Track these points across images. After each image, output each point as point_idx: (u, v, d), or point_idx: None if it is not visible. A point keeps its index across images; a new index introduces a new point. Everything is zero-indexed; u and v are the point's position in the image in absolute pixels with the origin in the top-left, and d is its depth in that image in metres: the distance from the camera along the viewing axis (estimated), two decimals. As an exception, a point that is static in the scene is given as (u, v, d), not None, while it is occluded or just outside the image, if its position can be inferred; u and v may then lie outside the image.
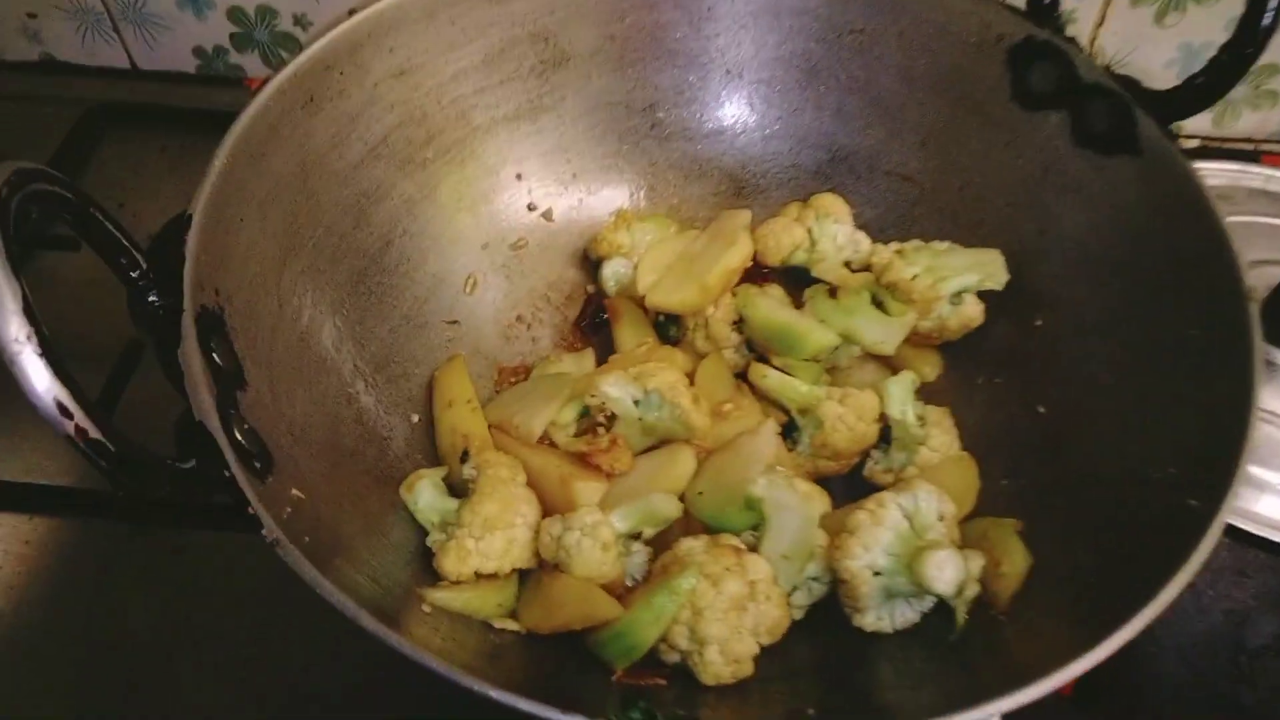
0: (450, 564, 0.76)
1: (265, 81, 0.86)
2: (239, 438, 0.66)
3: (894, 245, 1.02)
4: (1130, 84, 0.91)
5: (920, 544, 0.77)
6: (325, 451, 0.80)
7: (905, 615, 0.79)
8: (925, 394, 0.99)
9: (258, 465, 0.67)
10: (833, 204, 1.05)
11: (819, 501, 0.82)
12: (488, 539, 0.76)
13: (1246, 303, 0.77)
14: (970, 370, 1.00)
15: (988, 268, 0.97)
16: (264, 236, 0.84)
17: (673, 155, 1.14)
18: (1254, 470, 1.05)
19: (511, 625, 0.77)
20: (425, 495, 0.82)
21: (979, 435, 0.95)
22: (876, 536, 0.77)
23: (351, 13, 0.92)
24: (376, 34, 0.95)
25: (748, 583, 0.74)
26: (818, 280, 1.03)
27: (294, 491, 0.70)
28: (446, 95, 1.02)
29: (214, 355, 0.69)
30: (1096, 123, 0.93)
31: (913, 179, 1.07)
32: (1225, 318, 0.78)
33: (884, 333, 0.95)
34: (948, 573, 0.73)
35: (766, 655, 0.76)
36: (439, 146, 1.03)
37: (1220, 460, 0.70)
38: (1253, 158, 1.42)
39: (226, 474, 0.63)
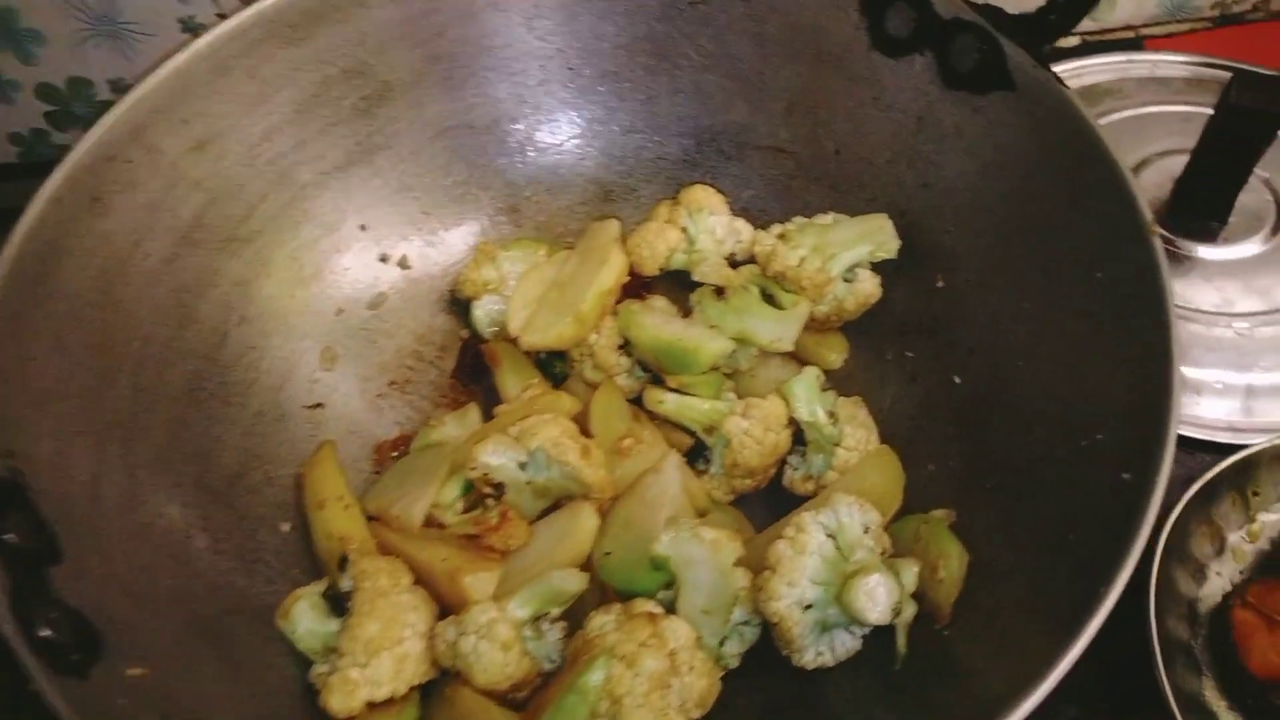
0: (337, 701, 0.68)
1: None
2: (47, 633, 0.57)
3: (776, 229, 0.94)
4: (992, 13, 0.83)
5: (848, 569, 0.70)
6: (176, 602, 0.71)
7: (846, 644, 0.72)
8: (835, 380, 0.93)
9: (76, 658, 0.58)
10: (704, 196, 0.97)
11: (729, 547, 0.75)
12: (374, 664, 0.68)
13: (1149, 236, 0.71)
14: (878, 347, 0.94)
15: (877, 236, 0.90)
16: (66, 371, 0.74)
17: (529, 171, 1.05)
18: (1188, 372, 1.01)
19: None
20: (304, 621, 0.74)
21: (897, 418, 0.89)
22: (800, 568, 0.70)
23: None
24: (163, 108, 0.84)
25: (667, 655, 0.67)
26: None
27: (131, 671, 0.61)
28: (261, 158, 0.91)
29: (4, 539, 0.59)
30: (963, 61, 0.85)
31: (785, 150, 0.99)
32: (1129, 254, 0.72)
33: (779, 329, 0.87)
34: (881, 600, 0.67)
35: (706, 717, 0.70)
36: (264, 216, 0.92)
37: (1147, 425, 0.64)
38: (1136, 45, 1.37)
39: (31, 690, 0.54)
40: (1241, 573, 0.94)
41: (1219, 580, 0.94)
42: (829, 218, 0.93)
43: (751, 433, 0.83)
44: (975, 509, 0.77)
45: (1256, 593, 0.89)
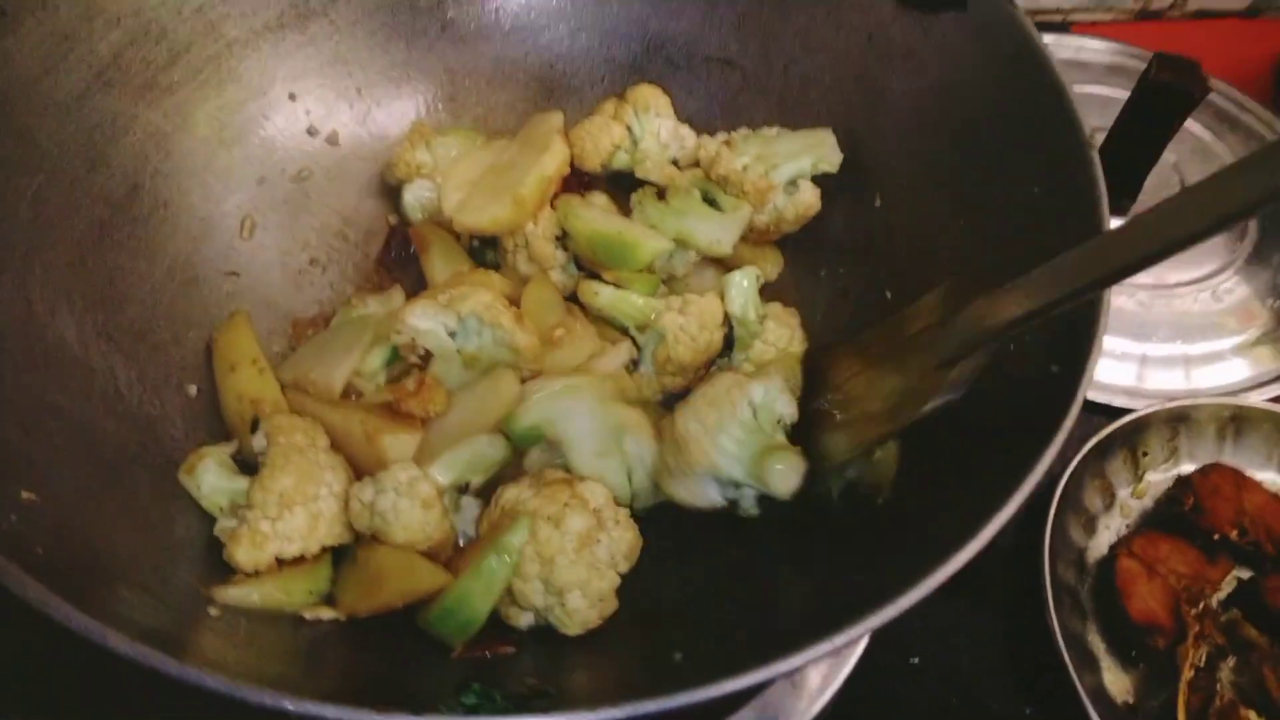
0: (244, 553, 0.64)
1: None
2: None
3: (721, 136, 0.93)
4: (947, -67, 0.84)
5: (768, 443, 0.70)
6: (74, 444, 0.66)
7: (710, 498, 0.72)
8: (769, 293, 0.92)
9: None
10: (652, 96, 0.96)
11: (591, 384, 0.74)
12: (286, 518, 0.65)
13: (1088, 151, 0.73)
14: (812, 264, 0.94)
15: (819, 149, 0.90)
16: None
17: (471, 59, 1.01)
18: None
19: (326, 613, 0.66)
20: (209, 477, 0.70)
21: (825, 330, 0.89)
22: (730, 413, 0.70)
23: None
24: (82, -72, 0.78)
25: (592, 512, 0.65)
26: (643, 183, 0.94)
27: (24, 495, 0.56)
28: (188, 3, 0.86)
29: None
30: (918, -20, 0.86)
31: (734, 63, 0.98)
32: (1068, 169, 0.73)
33: (719, 231, 0.87)
34: (791, 480, 0.67)
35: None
36: (187, 67, 0.87)
37: (1079, 324, 0.65)
38: (1063, 28, 1.42)
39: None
40: (1128, 526, 0.99)
41: (1107, 534, 0.99)
42: (774, 130, 0.93)
43: (687, 329, 0.82)
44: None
45: (1141, 544, 0.93)
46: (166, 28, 0.85)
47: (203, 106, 0.88)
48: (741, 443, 0.70)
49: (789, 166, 0.89)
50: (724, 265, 0.91)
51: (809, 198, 0.90)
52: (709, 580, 0.73)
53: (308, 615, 0.66)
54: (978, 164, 0.82)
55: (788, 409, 0.73)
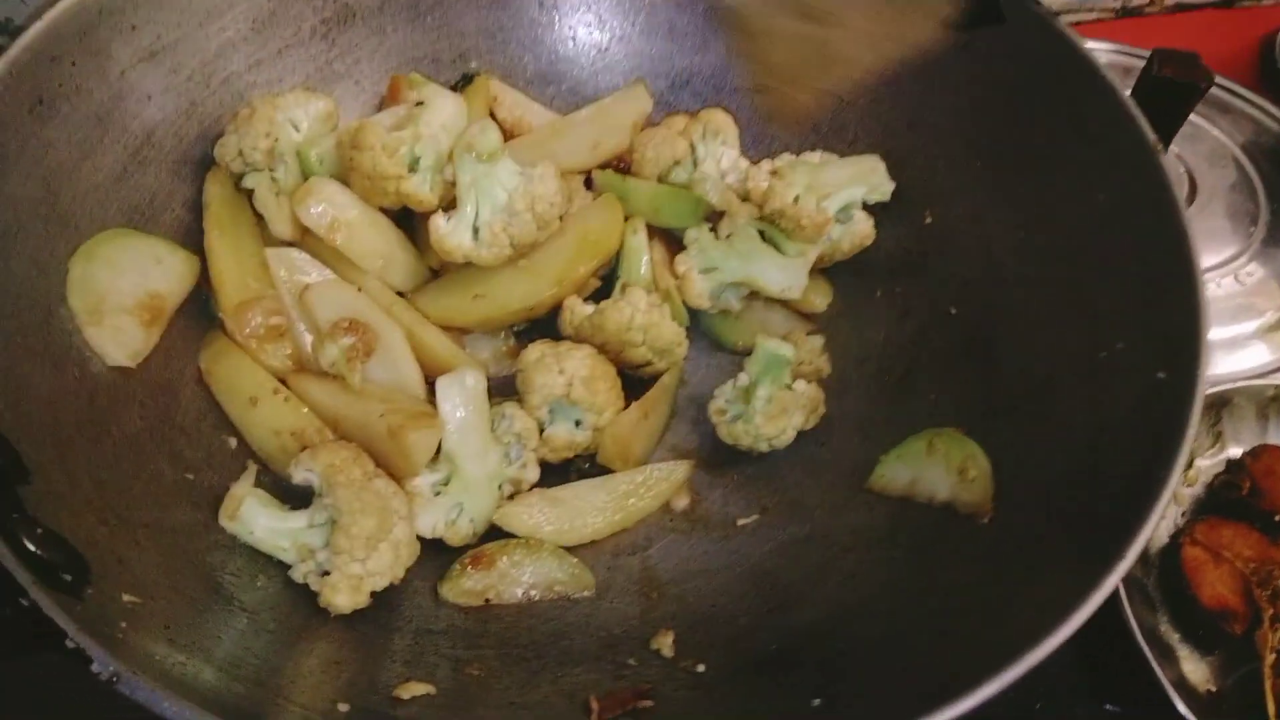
0: (344, 598, 0.65)
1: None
2: (32, 548, 0.49)
3: (766, 164, 0.92)
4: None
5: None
6: (159, 533, 0.63)
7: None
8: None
9: (68, 578, 0.50)
10: (724, 123, 0.94)
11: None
12: (374, 556, 0.65)
13: (1155, 154, 0.73)
14: (866, 286, 0.93)
15: (871, 178, 0.89)
16: (13, 281, 0.66)
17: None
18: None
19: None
20: (260, 520, 0.68)
21: (892, 353, 0.88)
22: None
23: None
24: (111, 9, 0.76)
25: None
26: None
27: (125, 598, 0.53)
28: (215, 76, 0.84)
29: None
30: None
31: (765, 90, 0.98)
32: (1135, 173, 0.73)
33: (789, 276, 0.86)
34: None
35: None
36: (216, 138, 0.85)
37: (1179, 320, 0.65)
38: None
39: (25, 603, 0.46)
40: (1183, 514, 0.99)
41: (1164, 523, 0.98)
42: (817, 155, 0.92)
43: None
44: (988, 433, 0.76)
45: (1203, 531, 0.93)
46: (195, 101, 0.83)
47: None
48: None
49: (841, 196, 0.88)
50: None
51: (864, 228, 0.89)
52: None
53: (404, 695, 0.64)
54: (1031, 175, 0.82)
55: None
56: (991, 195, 0.85)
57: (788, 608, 0.72)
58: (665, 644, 0.70)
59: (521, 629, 0.71)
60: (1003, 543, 0.68)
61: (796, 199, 0.86)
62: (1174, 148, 1.23)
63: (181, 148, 0.82)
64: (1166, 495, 0.58)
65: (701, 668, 0.68)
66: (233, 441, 0.78)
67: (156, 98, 0.80)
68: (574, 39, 1.00)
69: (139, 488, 0.66)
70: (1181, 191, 1.19)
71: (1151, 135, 0.73)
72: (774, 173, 0.89)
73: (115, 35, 0.76)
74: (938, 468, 0.74)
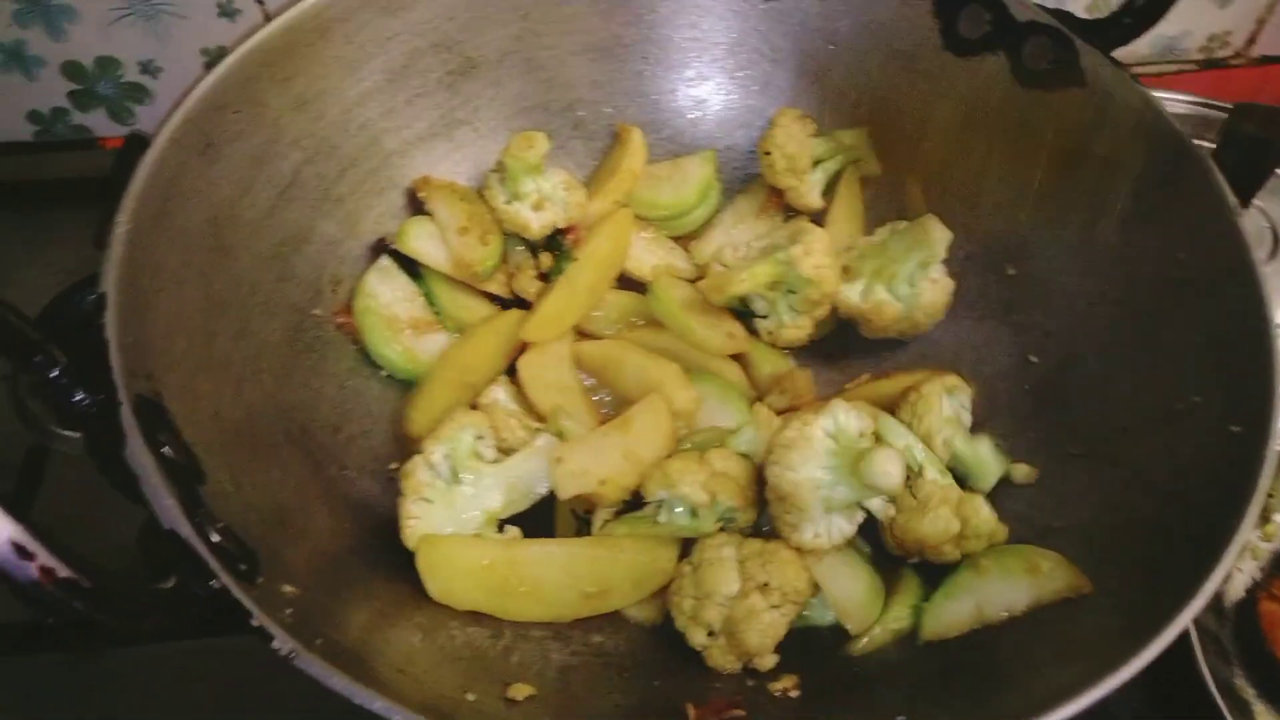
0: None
1: (154, 132, 0.75)
2: (218, 540, 0.56)
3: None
4: (1064, 17, 0.89)
5: (858, 449, 0.73)
6: (305, 534, 0.70)
7: (842, 529, 0.76)
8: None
9: (244, 568, 0.57)
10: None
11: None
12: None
13: (1234, 216, 0.76)
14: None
15: (925, 241, 0.91)
16: (185, 306, 0.74)
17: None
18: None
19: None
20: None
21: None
22: (814, 449, 0.73)
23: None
24: (269, 63, 0.85)
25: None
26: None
27: (286, 588, 0.61)
28: (354, 122, 0.93)
29: (165, 450, 0.59)
30: (1036, 60, 0.91)
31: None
32: (1212, 234, 0.77)
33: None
34: (894, 468, 0.70)
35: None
36: (353, 179, 0.93)
37: (1253, 377, 0.68)
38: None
39: (215, 585, 0.53)
40: (1261, 569, 0.99)
41: (1240, 576, 0.99)
42: (881, 233, 0.96)
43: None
44: (1059, 476, 0.81)
45: (1280, 586, 0.94)
46: (336, 145, 0.92)
47: (368, 214, 0.94)
48: (833, 467, 0.74)
49: (904, 270, 0.92)
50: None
51: (934, 297, 0.93)
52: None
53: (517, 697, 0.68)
54: (1113, 232, 0.85)
55: (861, 422, 0.77)
56: (1072, 251, 0.89)
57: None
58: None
59: (621, 639, 0.76)
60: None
61: (862, 294, 0.93)
62: (1257, 201, 1.26)
63: (322, 186, 0.90)
64: (1237, 546, 0.61)
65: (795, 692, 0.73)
66: (394, 465, 0.85)
67: (302, 141, 0.88)
68: (673, 91, 1.07)
69: (293, 496, 0.73)
70: (1263, 248, 1.23)
71: (1232, 199, 0.77)
72: (845, 269, 0.94)
73: (271, 86, 0.85)
74: (998, 584, 0.75)
